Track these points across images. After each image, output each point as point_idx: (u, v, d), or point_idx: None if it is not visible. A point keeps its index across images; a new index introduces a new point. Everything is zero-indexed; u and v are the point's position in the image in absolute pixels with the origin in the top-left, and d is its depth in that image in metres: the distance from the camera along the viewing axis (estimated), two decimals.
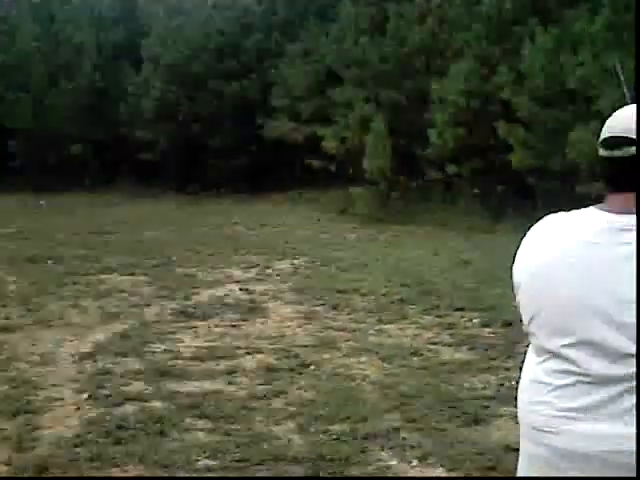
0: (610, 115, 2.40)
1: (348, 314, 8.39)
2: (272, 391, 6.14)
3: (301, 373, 6.63)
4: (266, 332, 7.88)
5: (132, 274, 10.88)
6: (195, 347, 7.35)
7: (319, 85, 19.82)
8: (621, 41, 11.27)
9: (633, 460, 2.14)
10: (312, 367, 6.78)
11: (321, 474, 4.77)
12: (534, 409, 2.27)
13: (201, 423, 5.51)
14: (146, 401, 5.90)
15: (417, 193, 15.89)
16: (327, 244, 13.57)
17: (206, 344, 7.46)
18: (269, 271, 11.16)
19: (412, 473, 4.74)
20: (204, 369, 6.70)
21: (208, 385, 6.30)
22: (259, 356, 7.07)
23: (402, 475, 4.77)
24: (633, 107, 2.26)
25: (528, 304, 2.32)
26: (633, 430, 2.14)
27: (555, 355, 2.25)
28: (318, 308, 8.86)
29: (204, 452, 5.04)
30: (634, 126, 2.22)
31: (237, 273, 11.02)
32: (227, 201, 20.12)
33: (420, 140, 16.04)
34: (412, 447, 5.02)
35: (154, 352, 7.17)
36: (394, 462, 4.87)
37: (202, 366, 6.78)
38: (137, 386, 6.24)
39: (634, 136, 2.20)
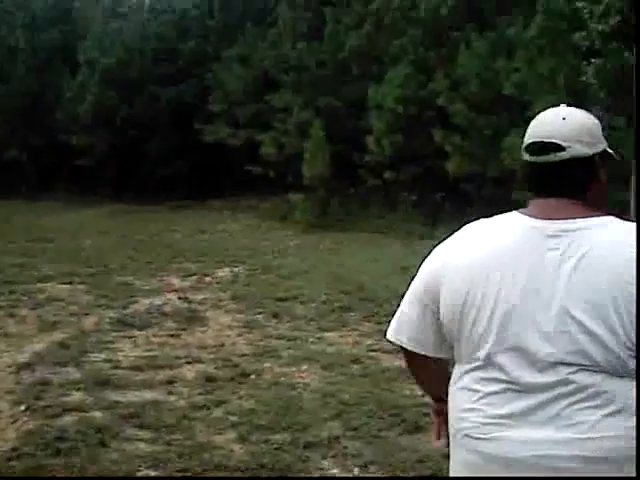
0: (532, 119, 2.45)
1: (288, 322, 8.39)
2: (212, 401, 6.11)
3: (241, 382, 6.61)
4: (206, 341, 7.85)
5: (70, 282, 10.75)
6: (134, 357, 7.29)
7: (257, 90, 19.81)
8: (555, 47, 11.45)
9: (564, 464, 2.18)
10: (252, 376, 6.77)
11: None
12: (465, 416, 2.30)
13: (142, 433, 5.47)
14: (86, 411, 5.83)
15: (356, 200, 15.95)
16: (267, 251, 13.55)
17: (145, 354, 7.40)
18: (208, 279, 11.12)
19: None
20: (144, 379, 6.65)
21: (148, 395, 6.26)
22: (199, 366, 7.03)
23: None
24: (556, 111, 2.32)
25: (450, 312, 2.33)
26: (565, 435, 2.18)
27: (483, 362, 2.27)
28: (258, 316, 8.84)
29: (145, 462, 5.00)
30: (561, 131, 2.27)
31: (176, 281, 10.96)
32: (165, 208, 20.03)
33: (358, 147, 16.12)
34: (353, 455, 5.04)
35: (93, 362, 7.10)
36: (335, 470, 4.88)
37: (142, 376, 6.73)
38: (76, 396, 6.16)
39: (561, 142, 2.25)
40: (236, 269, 11.84)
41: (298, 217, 16.42)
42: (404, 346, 2.47)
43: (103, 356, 7.27)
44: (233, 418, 5.79)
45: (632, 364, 2.19)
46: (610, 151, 2.34)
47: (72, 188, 21.95)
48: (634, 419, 2.21)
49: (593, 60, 10.58)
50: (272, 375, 6.78)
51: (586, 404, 2.17)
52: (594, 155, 2.29)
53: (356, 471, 4.85)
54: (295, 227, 15.99)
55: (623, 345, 2.16)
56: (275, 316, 8.74)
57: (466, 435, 2.29)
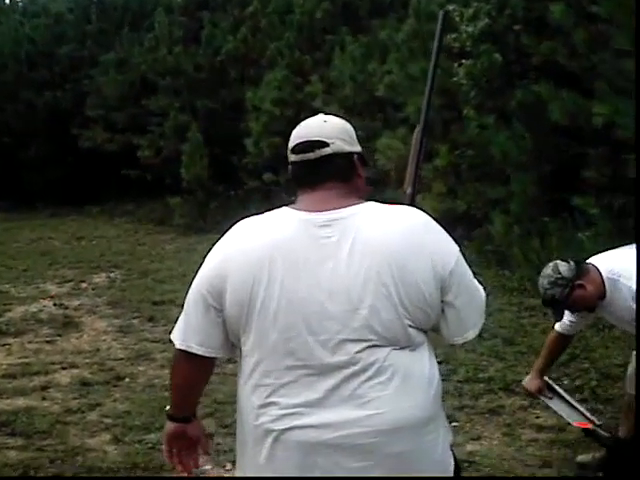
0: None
1: (164, 325, 8.34)
2: (87, 405, 6.11)
3: (116, 386, 6.61)
4: (81, 347, 7.79)
5: None
6: (7, 364, 7.20)
7: (134, 95, 19.64)
8: (426, 49, 11.66)
9: (367, 440, 2.31)
10: (127, 379, 6.78)
11: None
12: (262, 412, 2.38)
13: (12, 441, 5.43)
14: None
15: (236, 202, 15.92)
16: (144, 256, 13.46)
17: (19, 361, 7.31)
18: (84, 285, 10.98)
19: (226, 475, 4.82)
20: (17, 386, 6.58)
21: (21, 402, 6.20)
22: (74, 371, 6.99)
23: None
24: (317, 117, 2.60)
25: (236, 308, 2.41)
26: (361, 413, 2.31)
27: (273, 353, 2.36)
28: (134, 321, 8.80)
29: (15, 470, 4.96)
30: (324, 131, 2.52)
31: (52, 288, 10.80)
32: (42, 214, 19.66)
33: (237, 149, 16.13)
34: (225, 452, 5.11)
35: None
36: (208, 467, 4.95)
37: (15, 383, 6.66)
38: None
39: (325, 139, 2.49)
40: (112, 274, 11.72)
41: (176, 220, 16.34)
42: (194, 351, 2.51)
43: None
44: (107, 420, 5.80)
45: (414, 334, 2.39)
46: (365, 157, 2.64)
47: None
48: (424, 386, 2.40)
49: (464, 61, 10.82)
50: (146, 378, 6.80)
51: (376, 380, 2.33)
52: (354, 154, 2.54)
53: (228, 466, 4.91)
54: (173, 231, 15.92)
55: (403, 316, 2.35)
56: (151, 320, 8.71)
57: (266, 429, 2.37)
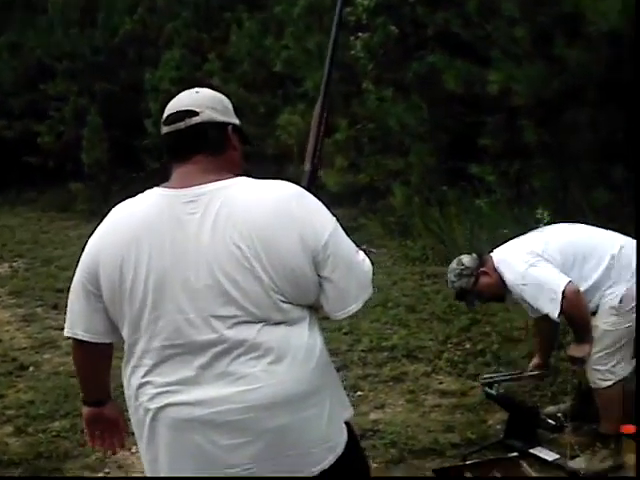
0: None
1: None
2: None
3: (20, 376, 6.52)
4: None
5: None
6: None
7: (30, 79, 19.16)
8: (322, 23, 11.66)
9: (238, 416, 2.30)
10: (31, 368, 6.69)
11: (39, 472, 4.76)
12: (140, 392, 2.40)
13: None
14: None
15: (139, 184, 15.66)
16: (48, 244, 13.22)
17: None
18: None
19: (132, 459, 4.79)
20: None
21: None
22: None
23: None
24: (191, 90, 2.56)
25: (109, 290, 2.42)
26: (233, 389, 2.30)
27: (146, 334, 2.38)
28: (38, 309, 8.66)
29: None
30: (195, 100, 2.50)
31: None
32: None
33: (137, 130, 15.93)
34: (132, 434, 5.06)
35: None
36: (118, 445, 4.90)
37: None
38: None
39: (195, 108, 2.47)
40: (15, 264, 11.49)
41: (79, 206, 16.08)
42: (81, 338, 2.53)
43: None
44: (10, 412, 5.73)
45: (288, 309, 2.37)
46: (243, 131, 2.60)
47: None
48: (301, 360, 2.38)
49: (360, 34, 10.85)
50: (51, 366, 6.72)
51: (247, 357, 2.32)
52: (227, 124, 2.50)
53: (134, 449, 4.83)
54: (77, 217, 15.65)
55: (270, 290, 2.33)
56: (55, 307, 8.57)
57: (145, 409, 2.39)
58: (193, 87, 2.62)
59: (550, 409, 5.09)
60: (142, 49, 17.48)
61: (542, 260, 4.42)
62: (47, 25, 19.11)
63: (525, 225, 7.83)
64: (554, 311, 4.32)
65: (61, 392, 5.96)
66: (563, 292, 4.27)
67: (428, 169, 10.01)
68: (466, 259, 4.73)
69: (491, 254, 4.78)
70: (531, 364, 5.12)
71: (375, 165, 10.94)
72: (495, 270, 4.63)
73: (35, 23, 19.74)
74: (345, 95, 11.28)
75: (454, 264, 4.76)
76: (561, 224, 5.03)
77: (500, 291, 4.69)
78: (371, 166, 11.01)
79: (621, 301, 4.38)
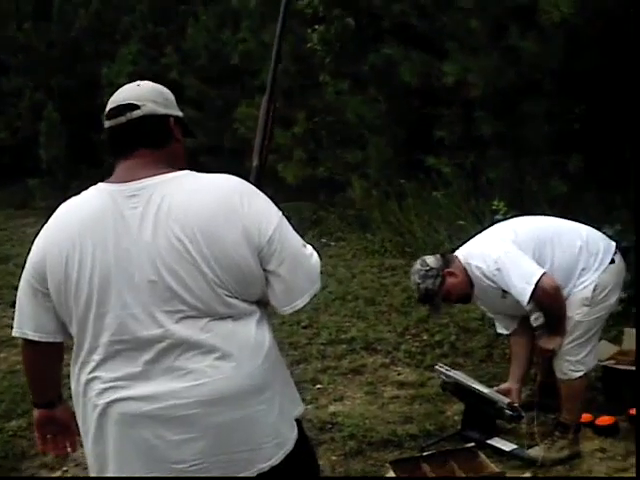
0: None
1: None
2: None
3: None
4: None
5: None
6: None
7: None
8: (275, 16, 11.63)
9: (186, 412, 2.29)
10: None
11: None
12: (89, 387, 2.38)
13: None
14: None
15: (97, 180, 15.54)
16: (5, 241, 13.13)
17: None
18: None
19: None
20: None
21: None
22: None
23: None
24: (133, 83, 2.55)
25: (56, 288, 2.40)
26: (180, 385, 2.29)
27: (92, 331, 2.36)
28: None
29: None
30: (136, 94, 2.48)
31: None
32: None
33: (95, 126, 15.77)
34: None
35: None
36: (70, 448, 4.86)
37: None
38: None
39: (135, 101, 2.45)
40: None
41: (38, 203, 15.93)
42: (30, 338, 2.50)
43: None
44: None
45: (235, 304, 2.36)
46: (185, 122, 2.60)
47: None
48: (249, 355, 2.37)
49: (317, 27, 10.83)
50: (8, 364, 6.68)
51: (193, 352, 2.30)
52: (169, 116, 2.48)
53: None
54: (35, 213, 15.43)
55: (214, 284, 2.31)
56: (13, 305, 8.38)
57: (93, 405, 2.37)
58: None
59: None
60: (98, 43, 17.34)
61: (516, 247, 4.37)
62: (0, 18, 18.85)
63: (482, 216, 7.90)
64: (525, 295, 4.25)
65: (18, 391, 5.91)
66: (538, 282, 4.23)
67: (386, 162, 10.02)
68: (430, 259, 4.60)
69: (455, 253, 4.71)
70: (500, 387, 4.90)
71: (333, 158, 10.94)
72: (462, 269, 4.55)
73: None
74: (302, 88, 11.26)
75: (418, 265, 4.62)
76: (524, 216, 4.97)
77: (467, 290, 4.61)
78: (329, 159, 11.01)
79: (594, 290, 4.36)
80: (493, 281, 4.42)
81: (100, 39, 17.30)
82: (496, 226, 4.79)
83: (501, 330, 4.97)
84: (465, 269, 4.56)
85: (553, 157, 7.80)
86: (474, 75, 8.02)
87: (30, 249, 2.52)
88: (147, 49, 15.31)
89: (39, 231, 2.52)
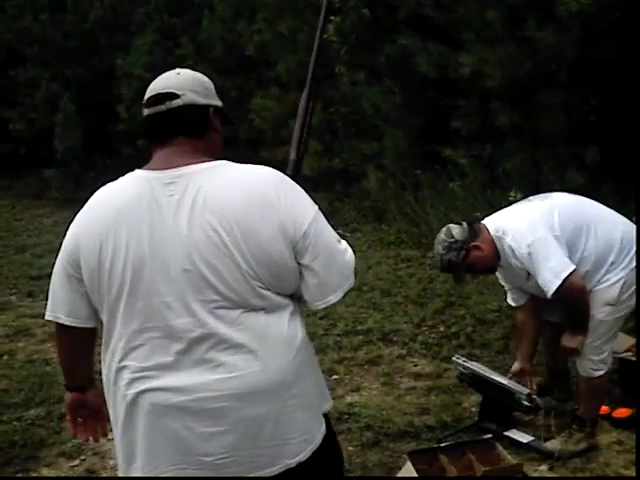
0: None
1: (43, 300, 8.11)
2: None
3: None
4: None
5: None
6: None
7: (0, 65, 19.01)
8: (294, 7, 11.63)
9: (216, 404, 2.28)
10: (5, 357, 6.66)
11: (14, 460, 4.75)
12: (119, 376, 2.37)
13: None
14: None
15: (112, 171, 15.59)
16: (22, 231, 13.12)
17: None
18: None
19: (108, 445, 4.76)
20: None
21: None
22: None
23: None
24: (172, 71, 2.52)
25: (89, 274, 2.40)
26: (211, 377, 2.28)
27: (123, 317, 2.35)
28: (12, 297, 8.61)
29: None
30: (176, 82, 2.45)
31: None
32: None
33: (111, 117, 15.84)
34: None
35: None
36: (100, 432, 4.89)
37: None
38: None
39: (176, 90, 2.43)
40: None
41: (53, 193, 15.99)
42: (62, 322, 2.51)
43: None
44: None
45: (268, 296, 2.35)
46: (225, 112, 2.57)
47: None
48: (282, 350, 2.36)
49: (332, 18, 10.82)
50: (25, 354, 6.69)
51: (226, 344, 2.29)
52: (209, 106, 2.48)
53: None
54: (51, 204, 15.58)
55: (248, 276, 2.30)
56: (29, 295, 8.54)
57: (122, 395, 2.37)
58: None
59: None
60: (113, 34, 17.35)
61: (551, 236, 4.19)
62: (16, 10, 18.90)
63: (498, 207, 7.87)
64: (551, 288, 4.15)
65: (36, 380, 5.95)
66: (566, 278, 4.12)
67: (402, 153, 10.02)
68: (456, 230, 4.42)
69: (485, 222, 4.52)
70: (512, 369, 4.88)
71: (349, 149, 10.94)
72: (490, 241, 4.38)
73: (4, 8, 19.53)
74: (318, 79, 11.23)
75: (442, 235, 4.45)
76: (564, 193, 4.71)
77: (492, 263, 4.47)
78: (346, 150, 11.01)
79: (622, 287, 4.26)
80: (521, 262, 4.29)
81: (115, 30, 17.30)
82: (536, 200, 4.54)
83: (510, 301, 4.90)
84: (493, 241, 4.40)
85: (569, 148, 7.80)
86: (490, 66, 8.02)
87: (56, 237, 2.52)
88: (162, 40, 15.30)
89: (71, 219, 2.52)
